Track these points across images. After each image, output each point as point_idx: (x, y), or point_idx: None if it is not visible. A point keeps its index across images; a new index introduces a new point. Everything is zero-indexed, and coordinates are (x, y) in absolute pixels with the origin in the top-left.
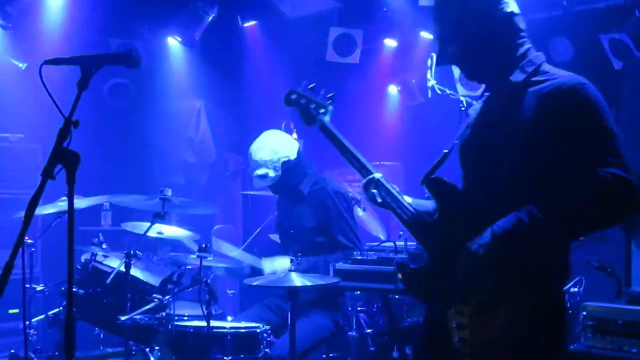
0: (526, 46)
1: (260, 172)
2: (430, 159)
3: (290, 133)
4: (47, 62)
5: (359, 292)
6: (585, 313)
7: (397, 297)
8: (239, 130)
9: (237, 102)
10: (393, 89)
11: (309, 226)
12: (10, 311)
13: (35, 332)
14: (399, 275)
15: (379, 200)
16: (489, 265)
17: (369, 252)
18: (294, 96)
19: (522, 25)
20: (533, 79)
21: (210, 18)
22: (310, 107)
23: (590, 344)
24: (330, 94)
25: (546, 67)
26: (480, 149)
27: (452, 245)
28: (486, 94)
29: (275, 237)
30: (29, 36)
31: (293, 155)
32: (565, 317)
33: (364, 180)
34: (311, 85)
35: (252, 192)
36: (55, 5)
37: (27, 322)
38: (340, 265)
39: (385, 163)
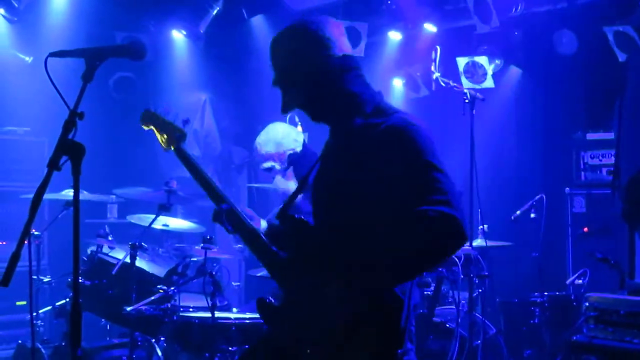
0: (363, 86)
1: (266, 165)
2: None
3: (295, 125)
4: (52, 55)
5: None
6: (587, 304)
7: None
8: (244, 123)
9: (242, 95)
10: (398, 82)
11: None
12: (18, 303)
13: (42, 324)
14: (258, 310)
15: (229, 230)
16: (329, 309)
17: None
18: (148, 116)
19: (355, 64)
20: (370, 120)
21: (215, 11)
22: (167, 130)
23: (592, 334)
24: (186, 118)
25: (384, 105)
26: (322, 189)
27: (303, 287)
28: (333, 132)
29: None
30: (34, 30)
31: (298, 148)
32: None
33: (214, 210)
34: (165, 107)
35: (257, 185)
36: None
37: (34, 314)
38: None
39: None
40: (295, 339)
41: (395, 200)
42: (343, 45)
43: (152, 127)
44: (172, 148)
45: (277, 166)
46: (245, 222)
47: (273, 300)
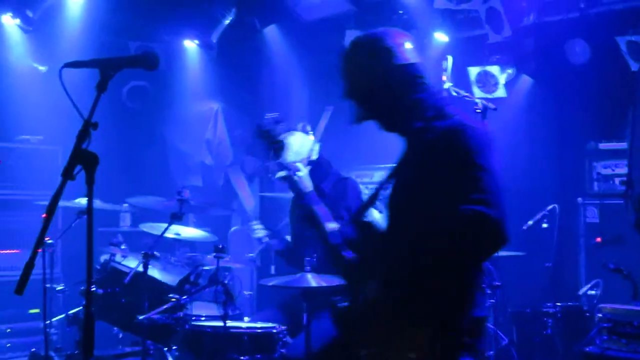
0: (427, 92)
1: (282, 174)
2: None
3: (307, 134)
4: (67, 65)
5: None
6: (600, 315)
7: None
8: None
9: (254, 104)
10: None
11: None
12: (31, 311)
13: (55, 331)
14: (331, 316)
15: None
16: (378, 310)
17: None
18: (261, 135)
19: (417, 71)
20: (431, 124)
21: (228, 21)
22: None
23: (605, 346)
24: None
25: (449, 109)
26: (392, 195)
27: (364, 287)
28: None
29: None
30: (49, 39)
31: (314, 156)
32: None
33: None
34: (277, 119)
35: (269, 194)
36: (75, 8)
37: (48, 322)
38: None
39: None
40: (357, 339)
41: (441, 200)
42: (405, 53)
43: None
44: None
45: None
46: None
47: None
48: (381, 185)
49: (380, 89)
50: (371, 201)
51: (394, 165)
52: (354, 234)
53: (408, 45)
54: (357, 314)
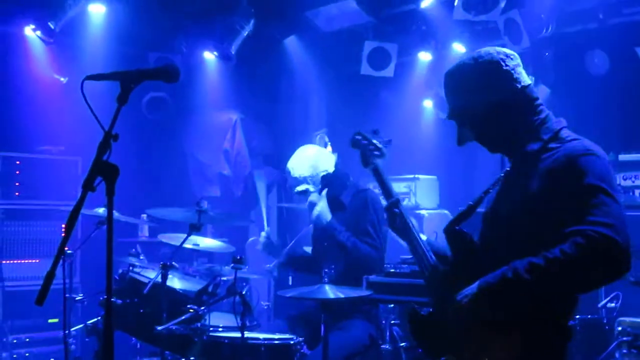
0: (544, 114)
1: (300, 188)
2: (465, 173)
3: (325, 146)
4: (88, 78)
5: (392, 305)
6: (620, 328)
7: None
8: (274, 143)
9: (273, 115)
10: (428, 103)
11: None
12: (50, 320)
13: (74, 341)
14: (408, 321)
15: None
16: (472, 317)
17: (402, 265)
18: (358, 137)
19: (535, 94)
20: (549, 145)
21: (247, 32)
22: (369, 149)
23: (625, 359)
24: (388, 139)
25: (565, 132)
26: (495, 214)
27: (454, 297)
28: (511, 160)
29: (309, 250)
30: (70, 50)
31: (331, 168)
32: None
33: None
34: (375, 130)
35: (287, 205)
36: (96, 20)
37: (67, 331)
38: (373, 277)
39: (421, 176)
40: (441, 347)
41: (563, 220)
42: (522, 76)
43: (358, 148)
44: (371, 166)
45: (312, 188)
46: (416, 236)
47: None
48: (477, 203)
49: (500, 112)
50: (465, 216)
51: (497, 183)
52: (443, 244)
53: (520, 67)
54: (442, 322)
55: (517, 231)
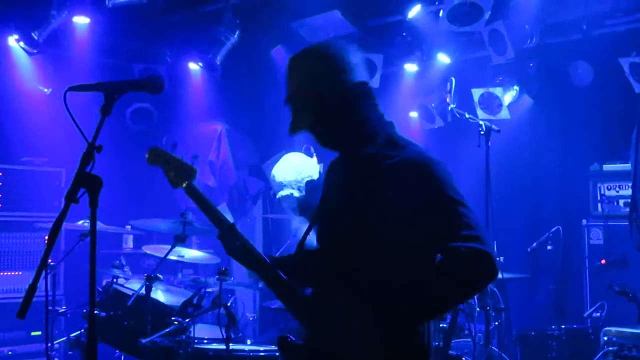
0: (376, 115)
1: (284, 192)
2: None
3: (311, 156)
4: (71, 89)
5: None
6: (606, 338)
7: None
8: (259, 154)
9: (258, 126)
10: (413, 113)
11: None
12: (33, 333)
13: (57, 354)
14: (280, 350)
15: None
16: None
17: None
18: (157, 154)
19: (372, 94)
20: (384, 152)
21: (232, 43)
22: (175, 167)
23: None
24: (194, 154)
25: (397, 136)
26: (329, 217)
27: (323, 320)
28: (342, 159)
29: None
30: (53, 61)
31: (316, 175)
32: None
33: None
34: (173, 143)
35: (272, 216)
36: (80, 31)
37: (49, 344)
38: None
39: None
40: None
41: (417, 233)
42: (362, 72)
43: (159, 164)
44: (183, 186)
45: (296, 193)
46: (261, 258)
47: (293, 338)
48: (319, 210)
49: (332, 102)
50: (312, 228)
51: (327, 186)
52: (296, 261)
53: (362, 63)
54: (310, 348)
55: (354, 240)
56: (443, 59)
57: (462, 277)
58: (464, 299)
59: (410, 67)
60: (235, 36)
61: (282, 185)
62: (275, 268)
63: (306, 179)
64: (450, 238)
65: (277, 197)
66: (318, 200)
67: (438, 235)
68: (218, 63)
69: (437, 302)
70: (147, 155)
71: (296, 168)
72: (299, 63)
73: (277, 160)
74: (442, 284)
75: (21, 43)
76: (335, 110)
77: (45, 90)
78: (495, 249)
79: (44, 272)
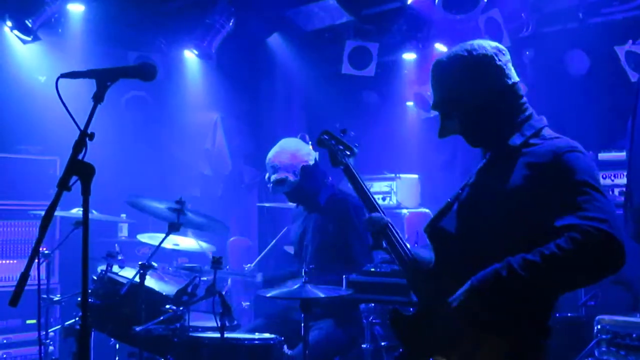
0: (528, 112)
1: (278, 176)
2: (446, 172)
3: (307, 144)
4: (63, 76)
5: (373, 305)
6: (599, 326)
7: (411, 309)
8: (255, 143)
9: (254, 115)
10: (410, 102)
11: (324, 239)
12: (28, 322)
13: (52, 343)
14: (390, 322)
15: (384, 245)
16: (465, 317)
17: (382, 265)
18: (326, 137)
19: (521, 91)
20: (531, 141)
21: (227, 31)
22: (338, 149)
23: (604, 357)
24: (357, 143)
25: (547, 131)
26: (474, 207)
27: (441, 297)
28: (487, 154)
29: (290, 249)
30: (48, 49)
31: (311, 161)
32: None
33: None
34: (343, 129)
35: (267, 205)
36: (75, 18)
37: (44, 333)
38: (353, 277)
39: (402, 175)
40: (429, 347)
41: (551, 216)
42: (512, 72)
43: (326, 147)
44: (342, 165)
45: (290, 177)
46: (398, 239)
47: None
48: (456, 198)
49: (489, 106)
50: (444, 213)
51: (473, 176)
52: (424, 243)
53: (510, 63)
54: (428, 323)
55: (497, 224)
56: (440, 47)
57: (575, 253)
58: (585, 278)
59: (406, 55)
60: (231, 24)
61: (276, 169)
62: (409, 251)
63: (302, 164)
64: (582, 217)
65: (271, 180)
66: (312, 188)
67: (572, 215)
68: (213, 51)
69: (564, 278)
70: (318, 137)
71: (292, 152)
72: (450, 69)
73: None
74: (565, 260)
75: (15, 31)
76: (491, 114)
77: (40, 78)
78: None
79: (38, 260)
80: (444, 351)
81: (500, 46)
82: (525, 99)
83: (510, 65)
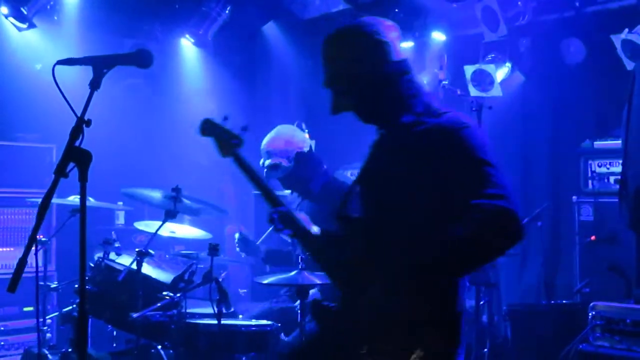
0: (416, 88)
1: (272, 161)
2: None
3: (303, 131)
4: (60, 63)
5: None
6: (594, 313)
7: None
8: (251, 131)
9: (250, 102)
10: None
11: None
12: (25, 309)
13: (49, 330)
14: (313, 316)
15: (283, 231)
16: (390, 309)
17: None
18: (208, 126)
19: (409, 69)
20: (422, 119)
21: (223, 20)
22: (223, 138)
23: (599, 343)
24: (244, 125)
25: (435, 107)
26: (372, 190)
27: (359, 287)
28: (381, 131)
29: (286, 237)
30: (43, 36)
31: (306, 148)
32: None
33: (269, 214)
34: (225, 116)
35: None
36: (70, 5)
37: (41, 320)
38: None
39: None
40: (353, 338)
41: (449, 195)
42: (399, 48)
43: (211, 135)
44: (231, 155)
45: (284, 163)
46: (301, 225)
47: (327, 303)
48: (358, 180)
49: (373, 82)
50: (349, 197)
51: (368, 158)
52: (337, 231)
53: (398, 40)
54: (352, 313)
55: (397, 207)
56: (436, 35)
57: (484, 231)
58: (487, 255)
59: (404, 44)
60: (227, 12)
61: (270, 154)
62: (315, 235)
63: (297, 150)
64: (477, 196)
65: (265, 165)
66: (305, 175)
67: (466, 194)
68: (209, 39)
69: (464, 258)
70: (199, 127)
71: (287, 138)
72: (337, 45)
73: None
74: (464, 239)
75: (11, 18)
76: (378, 90)
77: (37, 65)
78: None
79: (35, 248)
80: (367, 340)
81: (389, 22)
82: (413, 76)
83: (398, 42)
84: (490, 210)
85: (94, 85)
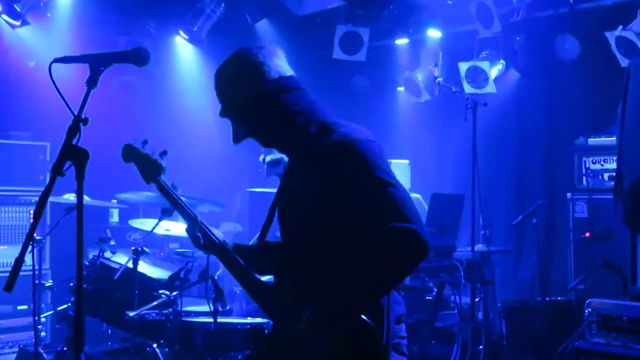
0: (306, 105)
1: (274, 156)
2: (436, 157)
3: None
4: (56, 61)
5: None
6: (590, 310)
7: (401, 294)
8: None
9: None
10: (401, 87)
11: None
12: (19, 307)
13: (44, 328)
14: (252, 342)
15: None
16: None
17: None
18: (128, 151)
19: (292, 84)
20: (316, 139)
21: (217, 16)
22: (144, 165)
23: (594, 340)
24: (163, 150)
25: (329, 122)
26: (287, 214)
27: (287, 314)
28: (289, 157)
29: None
30: (37, 34)
31: None
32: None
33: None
34: (143, 140)
35: (258, 190)
36: (63, 2)
37: (36, 318)
38: None
39: (392, 161)
40: None
41: (351, 218)
42: (278, 67)
43: (133, 162)
44: (154, 182)
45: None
46: (226, 250)
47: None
48: (273, 208)
49: (255, 105)
50: (268, 225)
51: (281, 183)
52: (260, 256)
53: (278, 59)
54: (277, 338)
55: (311, 230)
56: (431, 32)
57: (390, 256)
58: (399, 277)
59: (397, 41)
60: (222, 8)
61: (271, 150)
62: (239, 259)
63: None
64: (380, 219)
65: (266, 161)
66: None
67: (369, 217)
68: (204, 36)
69: (372, 283)
70: (121, 153)
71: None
72: (221, 75)
73: None
74: (373, 265)
75: (4, 15)
76: (261, 111)
77: (30, 63)
78: (481, 222)
79: (30, 246)
80: None
81: (271, 47)
82: (300, 91)
83: (276, 60)
84: (396, 234)
85: (91, 83)
